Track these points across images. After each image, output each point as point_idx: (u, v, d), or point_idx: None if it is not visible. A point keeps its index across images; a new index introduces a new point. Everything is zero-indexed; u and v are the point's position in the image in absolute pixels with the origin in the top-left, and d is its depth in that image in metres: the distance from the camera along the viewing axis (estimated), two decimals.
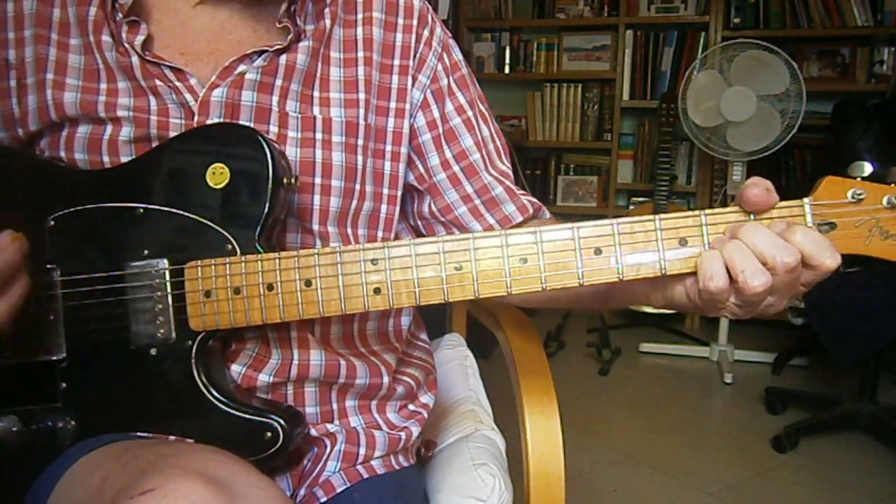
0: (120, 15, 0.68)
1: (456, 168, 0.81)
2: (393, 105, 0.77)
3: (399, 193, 0.79)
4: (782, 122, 2.65)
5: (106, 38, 0.69)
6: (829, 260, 0.55)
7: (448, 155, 0.80)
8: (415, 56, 0.79)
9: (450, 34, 0.84)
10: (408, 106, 0.78)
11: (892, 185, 0.58)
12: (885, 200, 0.58)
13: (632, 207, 3.54)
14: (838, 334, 2.11)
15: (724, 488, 2.01)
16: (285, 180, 0.65)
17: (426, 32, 0.80)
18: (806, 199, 0.58)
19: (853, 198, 0.58)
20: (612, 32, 3.54)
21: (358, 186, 0.74)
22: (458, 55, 0.84)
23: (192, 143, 0.66)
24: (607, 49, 3.58)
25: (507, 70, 3.78)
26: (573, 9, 3.60)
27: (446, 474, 0.86)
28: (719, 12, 3.29)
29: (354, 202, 0.74)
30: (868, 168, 0.58)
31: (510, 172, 0.84)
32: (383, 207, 0.77)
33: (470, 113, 0.82)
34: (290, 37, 0.71)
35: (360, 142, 0.74)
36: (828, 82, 3.25)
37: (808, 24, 3.20)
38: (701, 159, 3.40)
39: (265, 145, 0.64)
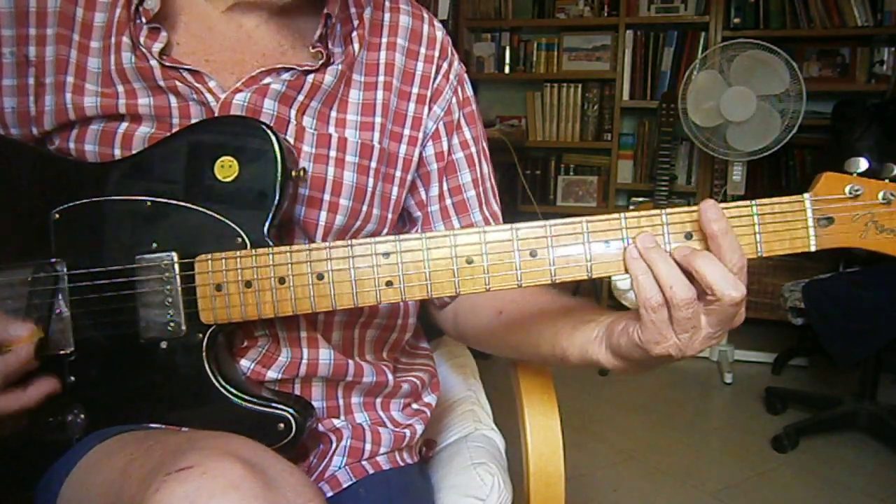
0: (143, 19, 0.68)
1: (448, 202, 0.82)
2: (407, 132, 0.78)
3: (397, 218, 0.80)
4: (782, 122, 2.65)
5: (126, 39, 0.68)
6: (732, 291, 0.53)
7: (444, 188, 0.82)
8: (432, 87, 0.80)
9: (464, 68, 0.86)
10: (421, 135, 0.79)
11: (888, 180, 0.60)
12: (880, 196, 0.59)
13: (631, 207, 3.54)
14: (838, 334, 2.11)
15: (724, 488, 2.01)
16: (293, 172, 0.66)
17: (445, 65, 0.82)
18: (806, 195, 0.60)
19: (851, 193, 0.59)
20: (612, 32, 3.54)
21: (365, 208, 0.74)
22: (469, 90, 0.85)
23: (199, 136, 0.66)
24: (607, 49, 3.58)
25: (507, 70, 3.78)
26: (573, 9, 3.60)
27: (446, 474, 0.86)
28: (719, 12, 3.29)
29: (358, 223, 0.74)
30: (864, 164, 0.59)
31: (500, 215, 0.86)
32: (384, 231, 0.78)
33: (473, 149, 0.84)
34: (321, 61, 0.72)
35: (374, 164, 0.75)
36: (828, 82, 3.25)
37: (808, 24, 3.20)
38: (701, 159, 3.40)
39: (273, 137, 0.64)
